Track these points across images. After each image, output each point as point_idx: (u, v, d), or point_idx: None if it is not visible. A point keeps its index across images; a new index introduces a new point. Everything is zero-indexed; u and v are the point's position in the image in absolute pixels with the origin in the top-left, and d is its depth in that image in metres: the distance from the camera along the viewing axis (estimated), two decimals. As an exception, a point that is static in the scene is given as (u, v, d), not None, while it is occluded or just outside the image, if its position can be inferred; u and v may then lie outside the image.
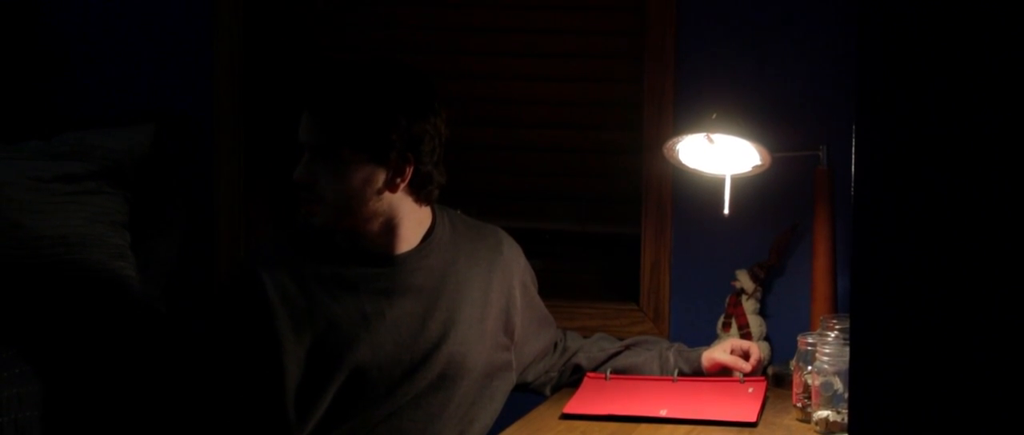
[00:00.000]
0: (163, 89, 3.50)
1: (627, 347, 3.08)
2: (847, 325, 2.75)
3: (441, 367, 2.74)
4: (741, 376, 3.00)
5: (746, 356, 3.04)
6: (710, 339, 3.18)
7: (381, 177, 2.66)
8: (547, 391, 3.02)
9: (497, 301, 2.84)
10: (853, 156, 1.51)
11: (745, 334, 3.17)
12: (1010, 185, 1.45)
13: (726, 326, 3.21)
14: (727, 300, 3.22)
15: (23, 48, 3.50)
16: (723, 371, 3.03)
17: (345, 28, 3.57)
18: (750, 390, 2.95)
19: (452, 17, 3.52)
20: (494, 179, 3.55)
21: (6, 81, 3.48)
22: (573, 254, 3.58)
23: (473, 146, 3.53)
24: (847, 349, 2.62)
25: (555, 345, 3.05)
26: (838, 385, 2.73)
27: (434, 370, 2.74)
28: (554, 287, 3.40)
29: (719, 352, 3.04)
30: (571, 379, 3.04)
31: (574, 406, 2.87)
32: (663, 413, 2.82)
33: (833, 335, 2.80)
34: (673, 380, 3.00)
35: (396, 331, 2.72)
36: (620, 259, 3.47)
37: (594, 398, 2.91)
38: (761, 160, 3.04)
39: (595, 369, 3.03)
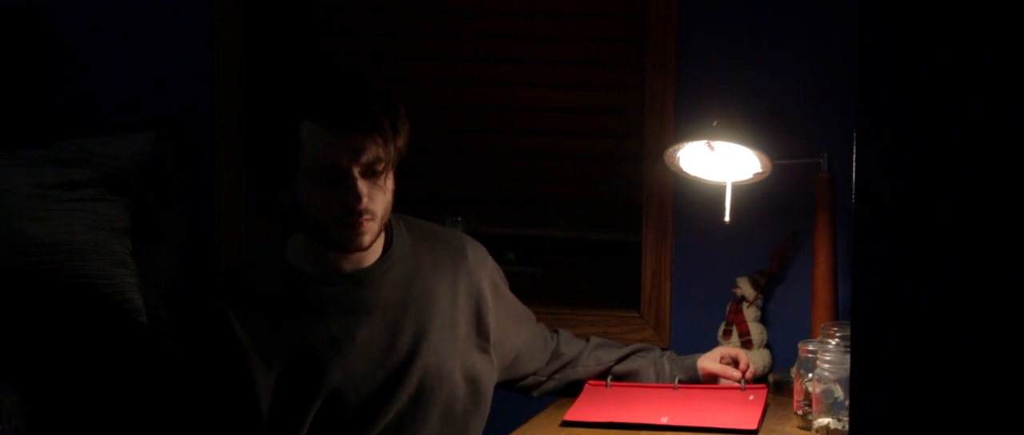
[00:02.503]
0: (164, 96, 3.50)
1: (623, 358, 3.07)
2: (848, 332, 2.76)
3: (417, 380, 2.71)
4: (742, 383, 3.00)
5: (735, 364, 3.04)
6: (711, 346, 3.18)
7: (394, 187, 2.68)
8: (534, 393, 3.00)
9: (466, 305, 2.80)
10: (854, 163, 1.51)
11: (746, 341, 3.17)
12: (1012, 192, 1.46)
13: (727, 333, 3.21)
14: (728, 307, 3.22)
15: (25, 55, 3.50)
16: (714, 378, 3.04)
17: (347, 36, 3.57)
18: (751, 397, 2.95)
19: (454, 25, 3.52)
20: (495, 186, 3.54)
21: (7, 88, 3.48)
22: (574, 261, 3.58)
23: (474, 153, 3.53)
24: (848, 356, 2.62)
25: (545, 343, 3.02)
26: (839, 392, 2.73)
27: (411, 384, 2.70)
28: (555, 294, 3.40)
29: (709, 361, 3.05)
30: (569, 390, 3.03)
31: (575, 413, 2.87)
32: (664, 420, 2.82)
33: (834, 342, 2.80)
34: (674, 387, 3.00)
35: (367, 351, 2.68)
36: (621, 266, 3.47)
37: (595, 405, 2.91)
38: (762, 167, 3.04)
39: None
